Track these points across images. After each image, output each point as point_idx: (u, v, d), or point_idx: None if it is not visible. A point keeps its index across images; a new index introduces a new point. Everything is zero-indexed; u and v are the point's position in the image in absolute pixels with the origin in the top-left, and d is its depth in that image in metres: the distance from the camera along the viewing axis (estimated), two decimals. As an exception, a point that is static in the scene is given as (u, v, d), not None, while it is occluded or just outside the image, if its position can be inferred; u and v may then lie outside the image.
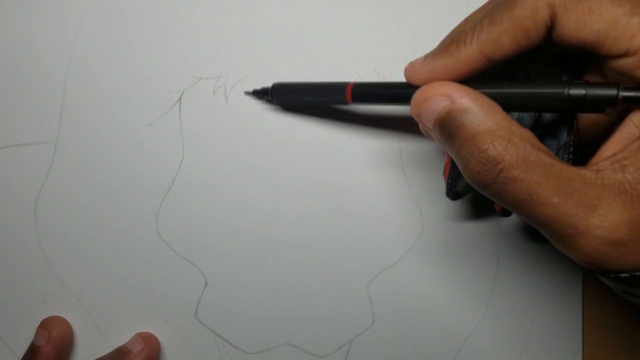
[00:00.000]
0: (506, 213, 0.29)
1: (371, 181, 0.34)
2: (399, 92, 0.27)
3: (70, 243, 0.35)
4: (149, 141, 0.34)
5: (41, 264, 0.35)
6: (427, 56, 0.25)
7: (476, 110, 0.22)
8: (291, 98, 0.33)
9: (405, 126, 0.34)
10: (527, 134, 0.22)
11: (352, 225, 0.34)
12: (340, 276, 0.34)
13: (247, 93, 0.34)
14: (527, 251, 0.34)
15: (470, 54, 0.23)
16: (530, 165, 0.21)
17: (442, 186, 0.34)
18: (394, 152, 0.34)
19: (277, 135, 0.34)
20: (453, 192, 0.29)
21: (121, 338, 0.34)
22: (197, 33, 0.34)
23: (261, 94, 0.33)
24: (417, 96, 0.24)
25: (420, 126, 0.26)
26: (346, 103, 0.30)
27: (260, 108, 0.34)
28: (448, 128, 0.23)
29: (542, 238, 0.34)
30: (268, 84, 0.33)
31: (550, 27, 0.23)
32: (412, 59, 0.32)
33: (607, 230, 0.21)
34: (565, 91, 0.23)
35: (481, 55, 0.23)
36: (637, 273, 0.21)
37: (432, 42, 0.26)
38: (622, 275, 0.21)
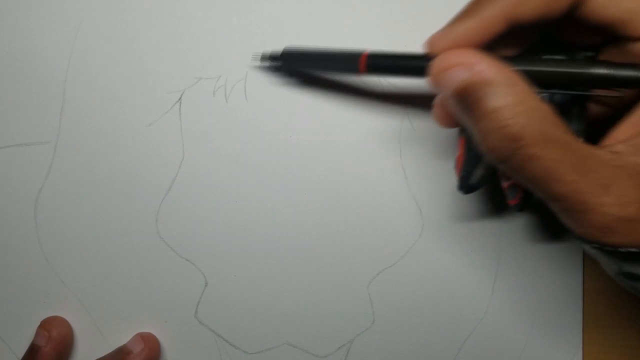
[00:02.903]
0: (521, 208, 0.29)
1: (371, 181, 0.34)
2: (418, 64, 0.25)
3: (70, 243, 0.35)
4: (149, 141, 0.34)
5: (41, 264, 0.35)
6: (447, 25, 0.24)
7: (498, 82, 0.22)
8: (301, 64, 0.32)
9: (406, 125, 0.34)
10: (547, 109, 0.22)
11: (352, 225, 0.34)
12: (340, 276, 0.34)
13: (255, 56, 0.33)
14: (527, 251, 0.34)
15: (493, 15, 0.23)
16: (549, 143, 0.21)
17: (442, 186, 0.34)
18: (394, 152, 0.34)
19: (277, 135, 0.34)
20: (466, 186, 0.28)
21: (121, 338, 0.34)
22: (197, 33, 0.34)
23: (270, 59, 0.32)
24: (436, 64, 0.24)
25: (436, 100, 0.25)
26: (358, 73, 0.28)
27: (261, 108, 0.34)
28: (468, 100, 0.22)
29: (542, 238, 0.34)
30: (268, 83, 0.33)
31: (576, 3, 0.22)
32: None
33: (617, 208, 0.21)
34: (591, 70, 0.23)
35: (503, 17, 0.23)
36: None
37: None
38: (632, 250, 0.22)
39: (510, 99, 0.22)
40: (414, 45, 0.34)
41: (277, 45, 0.33)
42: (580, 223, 0.22)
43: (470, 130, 0.23)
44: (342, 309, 0.34)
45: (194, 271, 0.34)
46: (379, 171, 0.34)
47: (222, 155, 0.34)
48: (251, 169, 0.34)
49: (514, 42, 0.25)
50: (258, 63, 0.33)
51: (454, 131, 0.34)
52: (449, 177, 0.34)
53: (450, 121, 0.27)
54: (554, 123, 0.22)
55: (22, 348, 0.34)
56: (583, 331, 0.34)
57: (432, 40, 0.24)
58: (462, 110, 0.23)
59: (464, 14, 0.24)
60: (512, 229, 0.34)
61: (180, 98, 0.34)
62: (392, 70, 0.27)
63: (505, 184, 0.29)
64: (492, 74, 0.22)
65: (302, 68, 0.32)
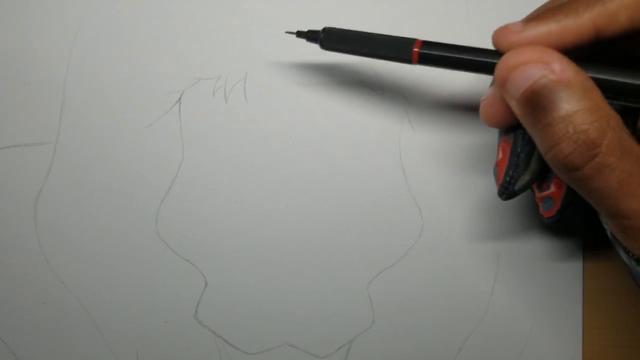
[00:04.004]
0: (556, 221, 0.27)
1: (371, 181, 0.34)
2: (481, 58, 0.24)
3: (70, 243, 0.35)
4: (149, 141, 0.34)
5: (41, 264, 0.35)
6: (527, 20, 0.22)
7: (577, 85, 0.20)
8: (344, 47, 0.29)
9: (406, 125, 0.34)
10: (620, 119, 0.21)
11: (352, 225, 0.34)
12: (340, 276, 0.34)
13: (289, 33, 0.30)
14: (527, 251, 0.34)
15: (581, 24, 0.21)
16: (625, 154, 0.20)
17: (442, 186, 0.34)
18: (394, 152, 0.34)
19: (277, 136, 0.34)
20: (510, 191, 0.26)
21: (121, 339, 0.34)
22: (197, 33, 0.34)
23: (308, 37, 0.29)
24: (509, 59, 0.21)
25: (488, 97, 0.24)
26: (410, 62, 0.26)
27: (261, 108, 0.34)
28: (541, 100, 0.21)
29: (542, 238, 0.34)
30: (268, 84, 0.33)
31: None
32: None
33: None
34: None
35: (592, 28, 0.21)
36: None
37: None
38: None
39: (588, 103, 0.20)
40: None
41: (277, 45, 0.33)
42: None
43: (535, 133, 0.21)
44: (342, 309, 0.34)
45: (194, 272, 0.34)
46: (379, 171, 0.34)
47: (221, 156, 0.34)
48: (251, 169, 0.34)
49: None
50: (293, 36, 0.30)
51: (453, 131, 0.34)
52: (449, 177, 0.34)
53: (499, 120, 0.25)
54: (628, 134, 0.20)
55: (22, 348, 0.34)
56: (583, 331, 0.34)
57: (504, 33, 0.22)
58: (530, 111, 0.21)
59: (548, 16, 0.22)
60: (512, 229, 0.34)
61: (180, 98, 0.34)
62: (448, 62, 0.25)
63: (540, 195, 0.27)
64: (570, 75, 0.20)
65: (342, 50, 0.29)
